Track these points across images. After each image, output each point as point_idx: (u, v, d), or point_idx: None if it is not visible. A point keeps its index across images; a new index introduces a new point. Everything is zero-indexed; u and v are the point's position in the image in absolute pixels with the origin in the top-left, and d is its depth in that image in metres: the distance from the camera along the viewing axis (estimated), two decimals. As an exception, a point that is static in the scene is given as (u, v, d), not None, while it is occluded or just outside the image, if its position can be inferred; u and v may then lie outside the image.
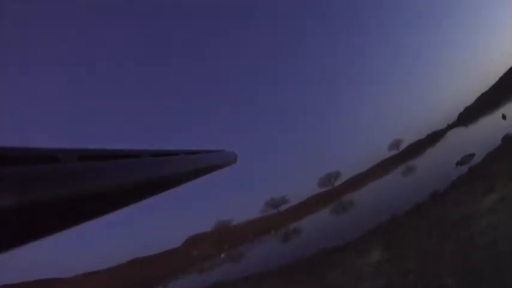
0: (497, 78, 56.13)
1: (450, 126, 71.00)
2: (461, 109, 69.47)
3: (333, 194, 60.54)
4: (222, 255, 40.66)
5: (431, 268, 6.44)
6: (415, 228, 10.52)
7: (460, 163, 19.00)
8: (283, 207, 66.37)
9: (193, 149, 0.99)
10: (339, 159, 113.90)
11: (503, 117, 23.70)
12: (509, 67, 50.56)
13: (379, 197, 25.01)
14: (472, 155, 19.04)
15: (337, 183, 70.38)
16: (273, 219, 57.70)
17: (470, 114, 57.26)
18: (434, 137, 68.71)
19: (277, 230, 44.14)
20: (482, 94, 60.89)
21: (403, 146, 77.02)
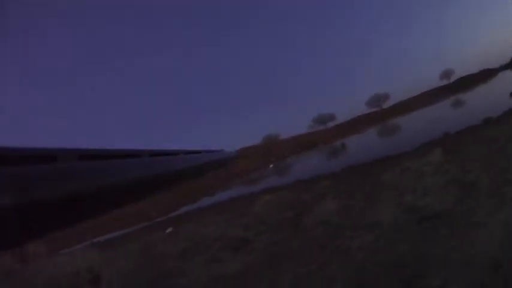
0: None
1: (503, 67, 68.71)
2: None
3: (380, 115, 60.03)
4: (271, 165, 41.45)
5: (491, 168, 6.91)
6: (469, 144, 10.62)
7: (512, 94, 18.91)
8: (330, 124, 66.95)
9: (193, 149, 1.13)
10: (388, 82, 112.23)
11: None
12: None
13: (428, 124, 23.85)
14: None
15: (385, 105, 69.95)
16: (320, 135, 58.03)
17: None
18: (487, 74, 66.70)
19: (325, 145, 44.20)
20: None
21: (454, 78, 75.14)
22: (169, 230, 13.70)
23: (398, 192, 7.78)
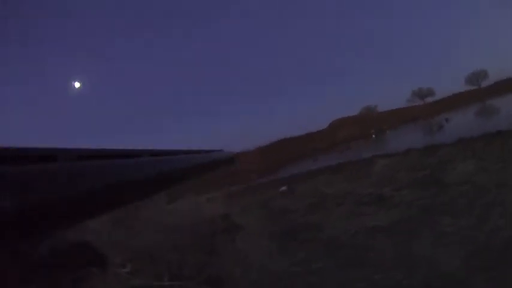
0: None
1: None
2: None
3: (478, 94, 57.33)
4: (373, 135, 40.97)
5: None
6: None
7: None
8: (428, 99, 65.13)
9: (193, 149, 1.12)
10: (489, 59, 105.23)
11: None
12: None
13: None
14: None
15: (484, 84, 66.42)
16: (419, 110, 56.61)
17: None
18: None
19: (425, 120, 42.67)
20: None
21: None
22: (283, 188, 13.37)
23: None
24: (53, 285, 4.34)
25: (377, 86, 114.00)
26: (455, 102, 55.81)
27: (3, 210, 0.30)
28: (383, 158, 14.23)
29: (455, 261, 4.30)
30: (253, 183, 18.03)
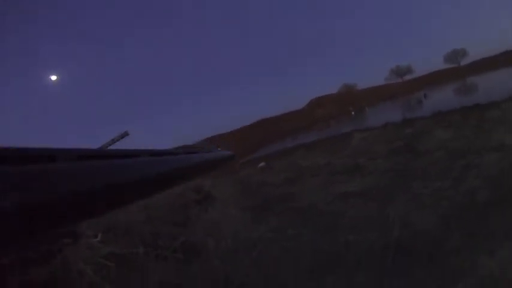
0: None
1: None
2: None
3: (458, 72, 57.75)
4: (352, 112, 41.26)
5: None
6: None
7: None
8: (407, 77, 65.62)
9: (192, 149, 1.14)
10: (468, 38, 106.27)
11: None
12: None
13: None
14: None
15: (463, 62, 66.84)
16: (397, 87, 57.06)
17: None
18: None
19: (403, 97, 42.96)
20: None
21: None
22: (261, 164, 13.42)
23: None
24: (26, 257, 4.24)
25: (355, 64, 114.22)
26: (434, 79, 56.26)
27: (3, 210, 0.30)
28: (360, 132, 14.22)
29: (430, 220, 4.30)
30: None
